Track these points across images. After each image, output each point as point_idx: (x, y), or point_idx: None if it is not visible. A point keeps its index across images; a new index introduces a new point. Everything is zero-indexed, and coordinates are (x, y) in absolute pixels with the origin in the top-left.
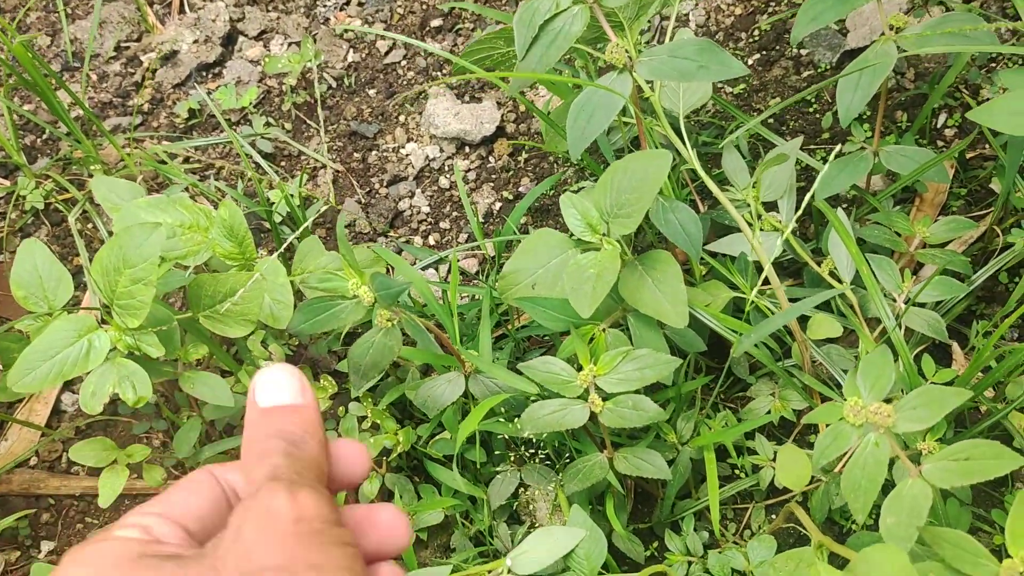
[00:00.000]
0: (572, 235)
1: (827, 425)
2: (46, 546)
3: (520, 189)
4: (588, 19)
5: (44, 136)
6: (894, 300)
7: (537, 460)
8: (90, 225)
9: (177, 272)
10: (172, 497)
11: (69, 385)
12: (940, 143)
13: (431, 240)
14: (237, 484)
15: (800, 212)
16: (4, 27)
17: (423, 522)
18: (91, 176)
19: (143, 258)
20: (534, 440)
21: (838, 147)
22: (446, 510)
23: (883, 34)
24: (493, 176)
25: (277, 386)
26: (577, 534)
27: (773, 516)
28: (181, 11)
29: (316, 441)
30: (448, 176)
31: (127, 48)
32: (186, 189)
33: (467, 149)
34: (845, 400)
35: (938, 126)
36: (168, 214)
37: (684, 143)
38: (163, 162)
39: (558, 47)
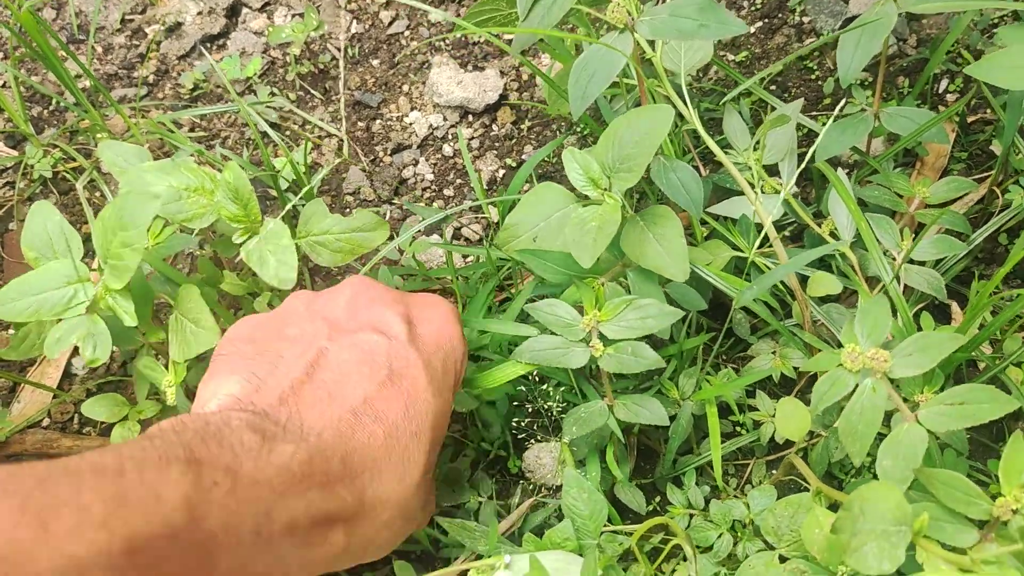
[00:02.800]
0: (573, 190)
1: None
2: None
3: (523, 156)
4: None
5: (51, 107)
6: (894, 259)
7: (541, 421)
8: (97, 193)
9: (182, 236)
10: None
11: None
12: (941, 108)
13: (435, 207)
14: None
15: (800, 175)
16: None
17: None
18: (97, 145)
19: (136, 225)
20: (538, 399)
21: (840, 106)
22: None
23: None
24: (496, 144)
25: None
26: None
27: (773, 471)
28: None
29: None
30: (451, 144)
31: (131, 20)
32: (192, 156)
33: (470, 117)
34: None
35: (939, 91)
36: (173, 177)
37: (686, 103)
38: (170, 131)
39: (560, 6)
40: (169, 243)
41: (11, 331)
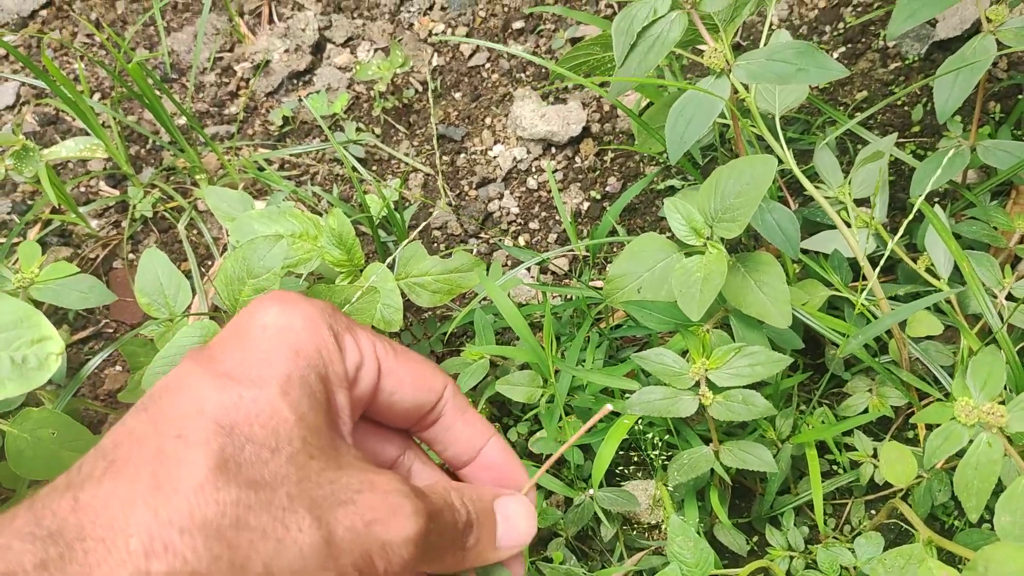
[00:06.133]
0: (675, 238)
1: (927, 425)
2: None
3: (607, 188)
4: (686, 25)
5: (147, 146)
6: (994, 296)
7: (635, 461)
8: (195, 231)
9: (289, 280)
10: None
11: None
12: None
13: (521, 240)
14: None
15: (890, 204)
16: (117, 42)
17: None
18: (194, 184)
19: (266, 269)
20: (630, 440)
21: (948, 145)
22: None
23: (980, 29)
24: (580, 176)
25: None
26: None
27: (873, 512)
28: (271, 21)
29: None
30: (536, 177)
31: (221, 59)
32: (287, 198)
33: (553, 150)
34: (949, 398)
35: None
36: (279, 224)
37: (781, 144)
38: (261, 168)
39: (656, 52)
40: (281, 287)
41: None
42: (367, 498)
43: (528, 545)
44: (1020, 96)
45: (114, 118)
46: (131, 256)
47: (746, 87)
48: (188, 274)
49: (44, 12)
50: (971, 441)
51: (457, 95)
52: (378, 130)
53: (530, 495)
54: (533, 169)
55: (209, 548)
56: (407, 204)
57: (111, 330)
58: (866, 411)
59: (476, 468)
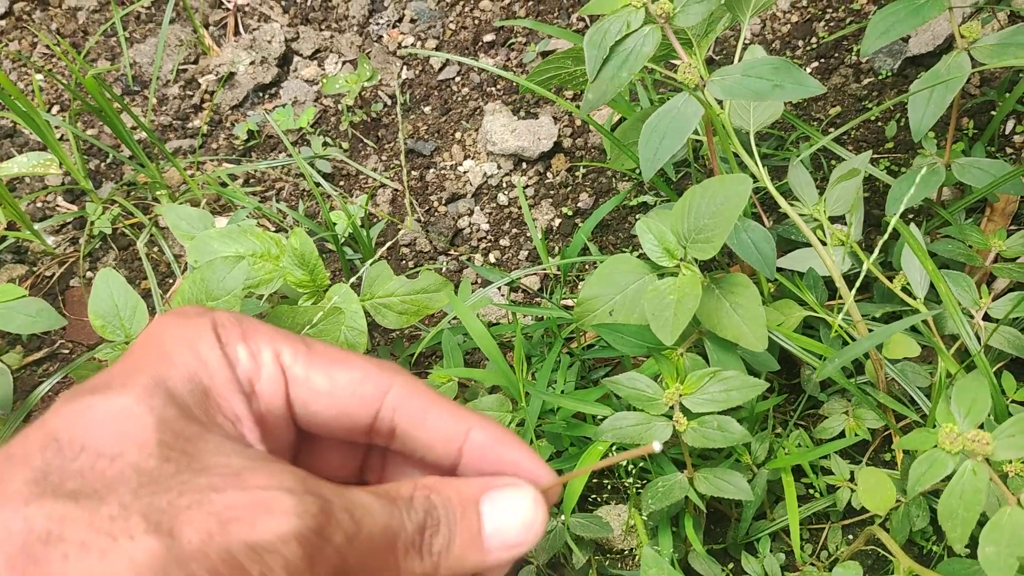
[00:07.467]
0: (647, 259)
1: (906, 451)
2: None
3: (579, 204)
4: (659, 39)
5: (107, 161)
6: (971, 316)
7: (608, 488)
8: (156, 248)
9: (250, 301)
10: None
11: None
12: (1009, 150)
13: (491, 258)
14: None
15: (865, 221)
16: (73, 56)
17: None
18: (155, 200)
19: (226, 291)
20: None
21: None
22: None
23: (953, 45)
24: (551, 192)
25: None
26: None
27: (851, 537)
28: (236, 33)
29: None
30: (506, 193)
31: (185, 71)
32: (250, 215)
33: (524, 165)
34: (928, 421)
35: (1006, 132)
36: (240, 244)
37: (756, 162)
38: (224, 184)
39: (629, 67)
40: (242, 310)
41: None
42: (227, 496)
43: (533, 545)
44: (993, 112)
45: (72, 132)
46: (88, 274)
47: (720, 103)
48: (148, 293)
49: (3, 22)
50: (955, 469)
51: (427, 109)
52: (345, 144)
53: (553, 492)
54: (504, 185)
55: (12, 565)
56: (375, 221)
57: (67, 351)
58: (843, 434)
59: (467, 469)
